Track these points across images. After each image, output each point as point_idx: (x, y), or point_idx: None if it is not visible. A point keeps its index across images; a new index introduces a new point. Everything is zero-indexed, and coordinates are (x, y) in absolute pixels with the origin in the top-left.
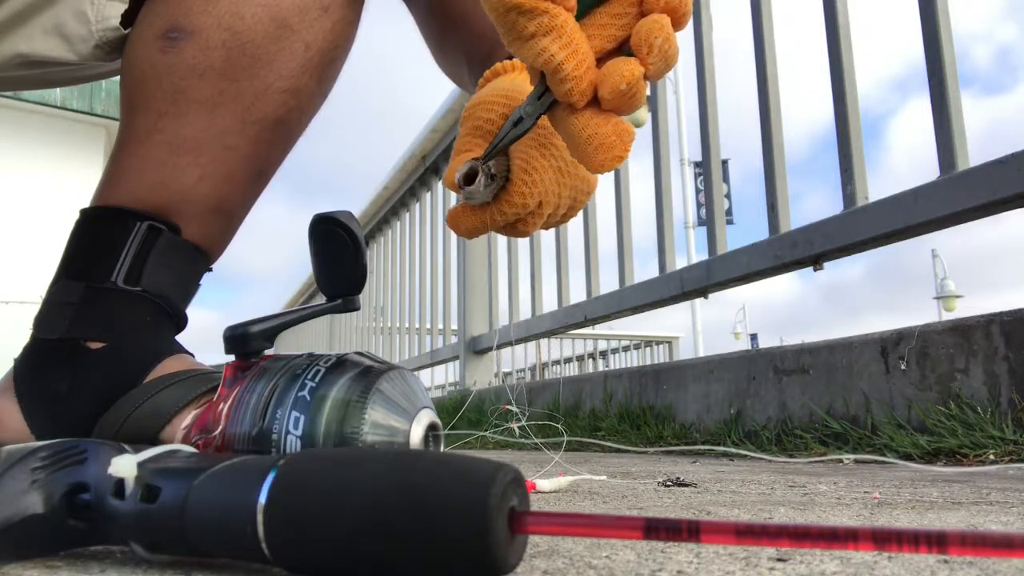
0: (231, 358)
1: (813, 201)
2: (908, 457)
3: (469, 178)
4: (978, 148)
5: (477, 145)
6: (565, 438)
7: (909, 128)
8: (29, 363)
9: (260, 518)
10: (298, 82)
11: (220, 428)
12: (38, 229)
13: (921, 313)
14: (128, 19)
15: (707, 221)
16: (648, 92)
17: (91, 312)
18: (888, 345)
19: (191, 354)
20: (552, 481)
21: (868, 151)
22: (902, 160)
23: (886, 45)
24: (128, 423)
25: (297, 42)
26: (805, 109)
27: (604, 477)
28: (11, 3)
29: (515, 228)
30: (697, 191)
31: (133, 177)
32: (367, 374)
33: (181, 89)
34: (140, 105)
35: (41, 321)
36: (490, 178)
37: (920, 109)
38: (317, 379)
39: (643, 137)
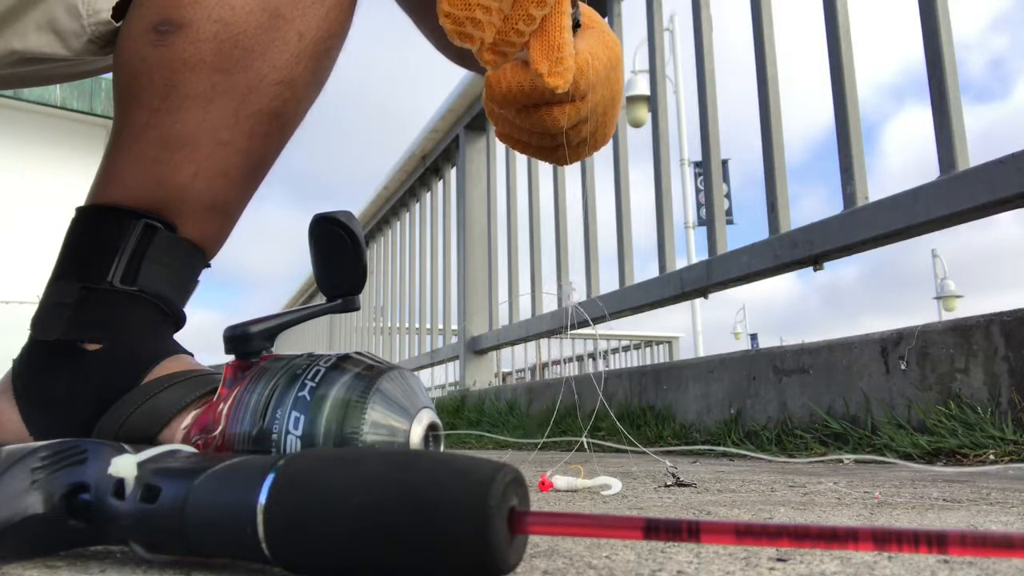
0: (231, 358)
1: (810, 204)
2: (908, 457)
3: None
4: (973, 155)
5: None
6: (581, 438)
7: (905, 133)
8: (27, 364)
9: (260, 518)
10: (292, 73)
11: (220, 428)
12: (38, 229)
13: (921, 313)
14: (119, 12)
15: (707, 221)
16: (648, 92)
17: (87, 313)
18: (888, 345)
19: (190, 354)
20: (567, 480)
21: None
22: (897, 165)
23: (881, 50)
24: (127, 425)
25: (290, 32)
26: (803, 112)
27: (620, 484)
28: (3, 0)
29: (551, 113)
30: (697, 191)
31: (127, 175)
32: (367, 374)
33: (173, 84)
34: (132, 101)
35: (38, 322)
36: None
37: (916, 115)
38: (317, 379)
39: (643, 137)
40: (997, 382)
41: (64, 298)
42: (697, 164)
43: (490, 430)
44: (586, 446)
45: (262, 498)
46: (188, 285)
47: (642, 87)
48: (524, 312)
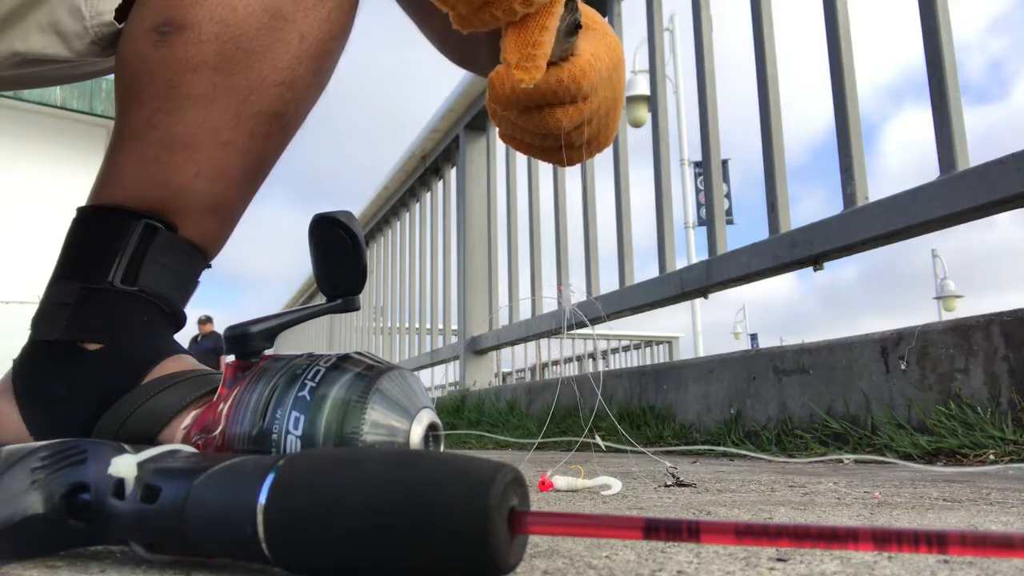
0: (231, 358)
1: (810, 204)
2: (908, 457)
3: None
4: (972, 155)
5: None
6: (582, 438)
7: (904, 134)
8: (27, 364)
9: (260, 518)
10: (294, 74)
11: (220, 428)
12: (38, 229)
13: (921, 313)
14: (122, 13)
15: (707, 221)
16: (648, 92)
17: (88, 313)
18: (888, 345)
19: (191, 354)
20: (567, 480)
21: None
22: (897, 166)
23: (880, 51)
24: (127, 425)
25: (292, 33)
26: (803, 112)
27: (620, 484)
28: (5, 1)
29: (553, 114)
30: (697, 191)
31: (128, 175)
32: (367, 374)
33: (174, 84)
34: (134, 101)
35: (38, 322)
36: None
37: (915, 116)
38: (317, 379)
39: (643, 137)
40: (997, 382)
41: (64, 298)
42: (697, 164)
43: (490, 430)
44: (599, 442)
45: (262, 498)
46: (188, 285)
47: (642, 87)
48: (524, 312)
